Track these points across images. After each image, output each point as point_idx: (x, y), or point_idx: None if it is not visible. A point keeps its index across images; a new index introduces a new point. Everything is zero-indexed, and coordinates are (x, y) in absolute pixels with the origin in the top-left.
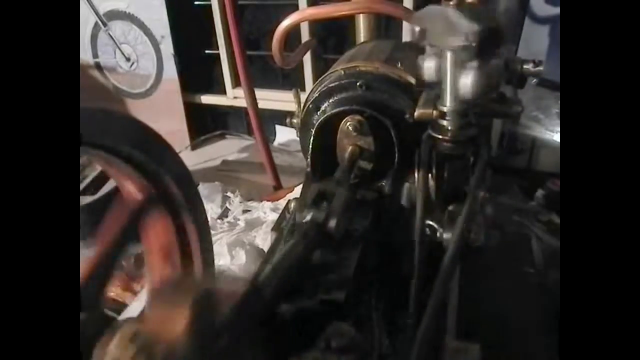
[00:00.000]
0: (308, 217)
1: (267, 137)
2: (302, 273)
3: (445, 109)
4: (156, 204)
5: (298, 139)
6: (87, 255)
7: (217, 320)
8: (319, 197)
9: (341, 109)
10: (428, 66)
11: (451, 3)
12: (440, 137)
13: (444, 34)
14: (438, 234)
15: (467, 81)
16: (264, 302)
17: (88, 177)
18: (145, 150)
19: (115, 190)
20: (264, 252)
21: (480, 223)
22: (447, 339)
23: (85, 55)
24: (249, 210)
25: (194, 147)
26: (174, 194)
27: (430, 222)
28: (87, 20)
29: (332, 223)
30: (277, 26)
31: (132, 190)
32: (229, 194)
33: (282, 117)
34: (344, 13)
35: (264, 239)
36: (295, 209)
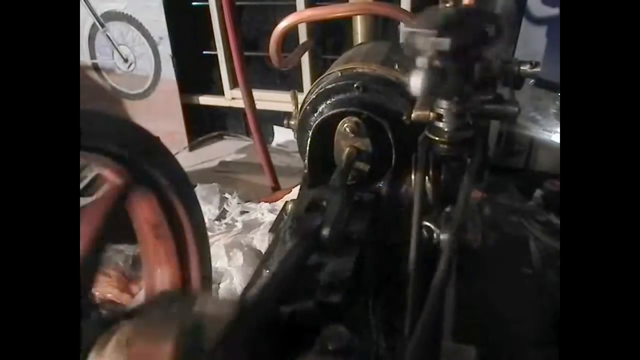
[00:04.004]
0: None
1: (265, 138)
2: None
3: (441, 111)
4: (139, 188)
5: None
6: None
7: (205, 352)
8: (312, 205)
9: (338, 110)
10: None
11: (447, 5)
12: (437, 138)
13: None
14: (435, 235)
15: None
16: (256, 321)
17: (86, 177)
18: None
19: None
20: (262, 253)
21: (478, 223)
22: (443, 340)
23: (83, 56)
24: (247, 212)
25: (192, 148)
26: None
27: (427, 223)
28: (84, 21)
29: (326, 232)
30: (274, 27)
31: (110, 176)
32: (226, 195)
33: (280, 117)
34: (341, 14)
35: (261, 241)
36: (293, 211)
